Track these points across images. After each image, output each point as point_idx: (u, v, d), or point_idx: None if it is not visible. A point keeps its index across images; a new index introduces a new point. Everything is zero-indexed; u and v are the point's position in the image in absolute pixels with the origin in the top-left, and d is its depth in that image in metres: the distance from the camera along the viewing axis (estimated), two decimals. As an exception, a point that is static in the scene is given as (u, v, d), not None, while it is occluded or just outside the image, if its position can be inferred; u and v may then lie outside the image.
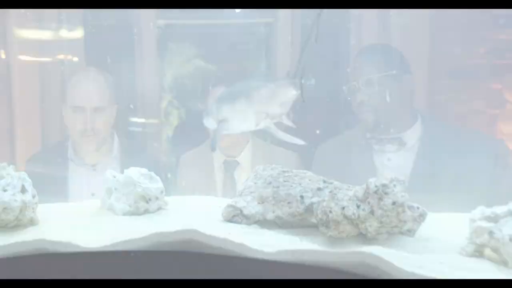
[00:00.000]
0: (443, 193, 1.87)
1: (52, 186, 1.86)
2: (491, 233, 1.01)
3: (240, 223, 1.25)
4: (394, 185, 1.10)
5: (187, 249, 1.15)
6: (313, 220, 1.18)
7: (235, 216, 1.26)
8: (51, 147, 2.99)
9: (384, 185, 1.09)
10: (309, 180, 1.24)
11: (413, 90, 2.41)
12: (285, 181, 1.24)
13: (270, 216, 1.23)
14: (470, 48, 3.03)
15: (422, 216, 1.14)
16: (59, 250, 1.14)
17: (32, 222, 1.26)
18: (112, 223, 1.30)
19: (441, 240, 1.15)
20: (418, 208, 1.15)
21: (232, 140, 2.63)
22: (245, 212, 1.25)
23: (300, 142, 1.55)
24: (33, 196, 1.26)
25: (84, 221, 1.32)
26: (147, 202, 1.37)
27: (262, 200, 1.25)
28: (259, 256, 1.09)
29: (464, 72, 3.01)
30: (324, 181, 1.24)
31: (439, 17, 2.95)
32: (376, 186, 1.09)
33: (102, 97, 2.66)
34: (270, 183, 1.25)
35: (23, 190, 1.24)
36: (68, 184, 2.61)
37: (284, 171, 1.28)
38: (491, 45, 3.02)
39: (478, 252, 1.06)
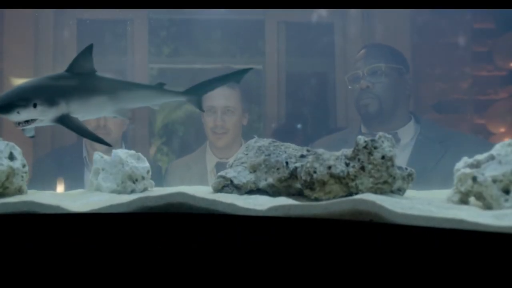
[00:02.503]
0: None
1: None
2: (474, 178, 1.02)
3: (231, 193, 1.25)
4: (382, 141, 1.11)
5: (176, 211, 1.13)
6: (298, 185, 1.18)
7: (225, 186, 1.26)
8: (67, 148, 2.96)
9: (373, 140, 1.11)
10: (293, 149, 1.26)
11: (411, 90, 2.48)
12: (274, 150, 1.25)
13: (262, 184, 1.23)
14: (453, 83, 3.13)
15: (410, 176, 1.15)
16: (48, 212, 1.12)
17: (20, 191, 1.24)
18: (99, 196, 1.29)
19: (429, 198, 1.15)
20: (406, 168, 1.16)
21: (228, 140, 2.69)
22: (236, 182, 1.24)
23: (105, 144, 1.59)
24: (23, 165, 1.25)
25: (72, 197, 1.31)
26: (134, 182, 1.36)
27: (254, 169, 1.25)
28: (251, 214, 1.08)
29: (447, 106, 3.09)
30: (308, 150, 1.25)
31: (422, 53, 3.06)
32: (365, 142, 1.11)
33: None
34: (262, 152, 1.26)
35: (12, 157, 1.23)
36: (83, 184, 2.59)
37: (273, 141, 1.29)
38: (473, 81, 3.13)
39: (464, 202, 1.06)
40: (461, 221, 0.90)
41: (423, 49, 3.07)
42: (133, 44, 3.36)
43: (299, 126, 3.47)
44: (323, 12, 3.23)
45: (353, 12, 3.18)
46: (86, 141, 2.69)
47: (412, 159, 2.22)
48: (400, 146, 2.27)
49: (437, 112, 3.07)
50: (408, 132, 2.35)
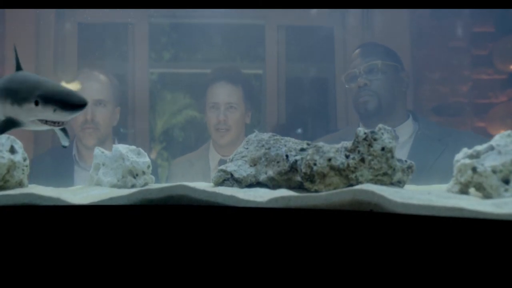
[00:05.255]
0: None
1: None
2: (474, 168, 1.02)
3: (231, 186, 1.24)
4: (382, 133, 1.11)
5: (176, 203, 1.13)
6: (298, 178, 1.18)
7: (225, 180, 1.26)
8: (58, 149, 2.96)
9: (372, 132, 1.11)
10: (293, 143, 1.26)
11: (408, 87, 2.50)
12: (274, 143, 1.26)
13: (263, 177, 1.23)
14: (452, 86, 3.14)
15: (410, 168, 1.15)
16: (48, 204, 1.12)
17: (21, 185, 1.24)
18: (99, 190, 1.28)
19: (429, 189, 1.15)
20: (406, 161, 1.16)
21: (230, 138, 2.72)
22: (236, 175, 1.24)
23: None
24: (24, 159, 1.25)
25: (73, 191, 1.31)
26: (134, 177, 1.36)
27: (254, 162, 1.25)
28: (251, 205, 1.08)
29: (447, 109, 3.09)
30: (308, 144, 1.25)
31: (422, 57, 3.07)
32: (365, 133, 1.11)
33: (102, 92, 2.75)
34: (262, 145, 1.26)
35: (13, 150, 1.23)
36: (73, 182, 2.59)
37: (273, 135, 1.30)
38: (473, 84, 3.13)
39: (463, 193, 1.07)
40: (462, 210, 0.90)
41: (423, 53, 3.08)
42: (134, 48, 3.37)
43: (299, 130, 3.47)
44: (323, 15, 3.24)
45: (353, 16, 3.19)
46: (76, 140, 2.71)
47: (411, 157, 2.22)
48: (399, 143, 2.27)
49: (437, 115, 3.07)
50: (406, 130, 2.36)
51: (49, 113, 1.28)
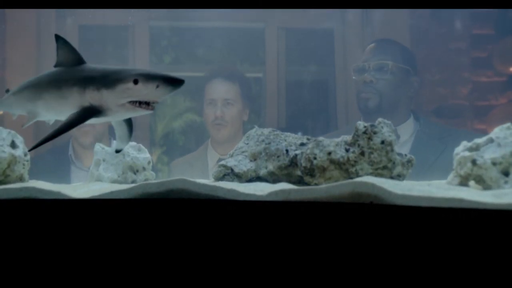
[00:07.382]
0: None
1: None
2: (473, 161, 1.02)
3: (231, 181, 1.25)
4: (382, 126, 1.12)
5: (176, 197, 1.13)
6: (298, 173, 1.19)
7: (226, 175, 1.26)
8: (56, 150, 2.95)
9: (372, 125, 1.11)
10: (293, 138, 1.27)
11: (416, 92, 2.51)
12: (274, 138, 1.26)
13: (263, 172, 1.23)
14: (452, 88, 3.14)
15: (410, 162, 1.15)
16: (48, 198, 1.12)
17: (21, 179, 1.24)
18: (100, 185, 1.29)
19: (429, 182, 1.16)
20: (406, 155, 1.16)
21: (228, 133, 2.74)
22: (236, 170, 1.25)
23: None
24: (25, 154, 1.25)
25: (73, 186, 1.32)
26: (134, 173, 1.36)
27: (254, 157, 1.26)
28: (251, 199, 1.08)
29: (448, 111, 3.10)
30: (308, 139, 1.25)
31: (422, 59, 3.08)
32: (365, 127, 1.11)
33: None
34: (262, 140, 1.27)
35: (14, 145, 1.23)
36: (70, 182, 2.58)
37: (273, 130, 1.30)
38: (473, 86, 3.14)
39: (463, 185, 1.07)
40: (461, 200, 0.90)
41: (423, 55, 3.09)
42: (134, 51, 3.37)
43: (299, 133, 3.47)
44: (323, 17, 3.25)
45: (353, 17, 3.20)
46: (72, 140, 2.70)
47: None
48: (400, 142, 2.27)
49: (437, 117, 3.08)
50: (407, 129, 2.36)
51: (150, 90, 1.24)
